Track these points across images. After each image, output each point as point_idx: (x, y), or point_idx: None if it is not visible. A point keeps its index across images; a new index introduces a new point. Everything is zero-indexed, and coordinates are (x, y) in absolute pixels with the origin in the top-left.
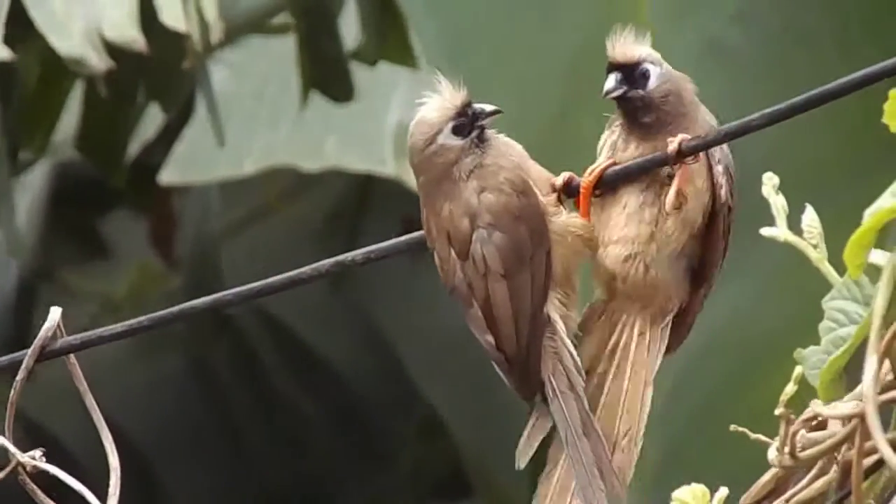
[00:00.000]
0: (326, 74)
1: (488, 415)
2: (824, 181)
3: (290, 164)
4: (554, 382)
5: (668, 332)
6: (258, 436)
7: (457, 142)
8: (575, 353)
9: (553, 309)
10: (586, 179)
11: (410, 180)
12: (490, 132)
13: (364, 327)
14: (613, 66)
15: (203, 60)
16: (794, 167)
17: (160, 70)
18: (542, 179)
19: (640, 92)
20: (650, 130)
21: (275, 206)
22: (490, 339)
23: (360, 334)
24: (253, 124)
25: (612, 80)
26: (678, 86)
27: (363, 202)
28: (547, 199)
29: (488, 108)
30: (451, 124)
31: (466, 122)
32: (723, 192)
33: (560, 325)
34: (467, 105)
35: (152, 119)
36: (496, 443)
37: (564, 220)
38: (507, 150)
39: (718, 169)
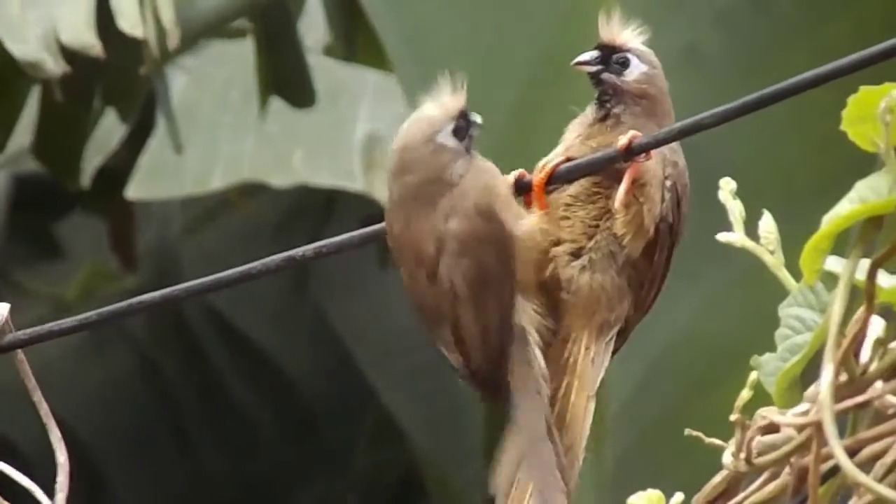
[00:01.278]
0: (286, 79)
1: (442, 417)
2: (794, 191)
3: (258, 180)
4: (521, 388)
5: (612, 346)
6: (208, 437)
7: (455, 144)
8: (543, 362)
9: (526, 319)
10: (538, 177)
11: (378, 193)
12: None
13: (319, 329)
14: (597, 45)
15: (160, 66)
16: (764, 176)
17: (117, 75)
18: (509, 197)
19: (614, 78)
20: (615, 124)
21: (234, 204)
22: (458, 357)
23: (315, 337)
24: (216, 133)
25: (588, 55)
26: (658, 90)
27: (327, 206)
28: (516, 216)
29: (478, 118)
30: (451, 125)
31: (464, 126)
32: (664, 206)
33: (533, 335)
34: (465, 110)
35: (116, 127)
36: (450, 445)
37: (529, 226)
38: (482, 170)
39: (667, 184)
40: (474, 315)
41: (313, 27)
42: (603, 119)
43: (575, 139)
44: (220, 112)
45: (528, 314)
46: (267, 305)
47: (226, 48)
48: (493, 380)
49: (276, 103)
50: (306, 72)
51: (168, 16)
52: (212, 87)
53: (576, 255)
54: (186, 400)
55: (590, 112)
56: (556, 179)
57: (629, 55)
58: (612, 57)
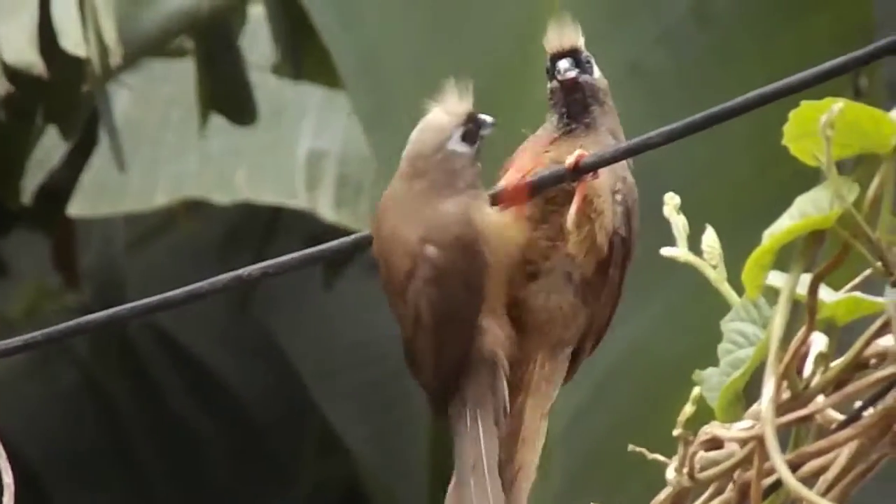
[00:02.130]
0: (227, 96)
1: (387, 433)
2: (742, 206)
3: (201, 197)
4: (478, 413)
5: (566, 365)
6: (153, 456)
7: (465, 149)
8: (507, 395)
9: (495, 344)
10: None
11: (322, 210)
12: None
13: (264, 346)
14: (561, 54)
15: (103, 84)
16: (711, 193)
17: (59, 93)
18: (492, 223)
19: (590, 77)
20: (579, 131)
21: (178, 220)
22: (409, 369)
23: (259, 354)
24: (160, 151)
25: (566, 62)
26: (606, 88)
27: (271, 223)
28: (498, 241)
29: (488, 119)
30: (460, 130)
31: (473, 130)
32: (615, 221)
33: (501, 361)
34: (473, 113)
35: (58, 145)
36: (395, 460)
37: (509, 255)
38: (472, 194)
39: (617, 198)
40: (432, 343)
41: (260, 44)
42: (571, 129)
43: (543, 153)
44: (163, 129)
45: (496, 338)
46: (211, 323)
47: (168, 66)
48: (441, 399)
49: (219, 121)
50: (248, 89)
51: (110, 35)
52: (154, 105)
53: (533, 276)
54: (131, 418)
55: (553, 125)
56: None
57: (587, 54)
58: (580, 59)
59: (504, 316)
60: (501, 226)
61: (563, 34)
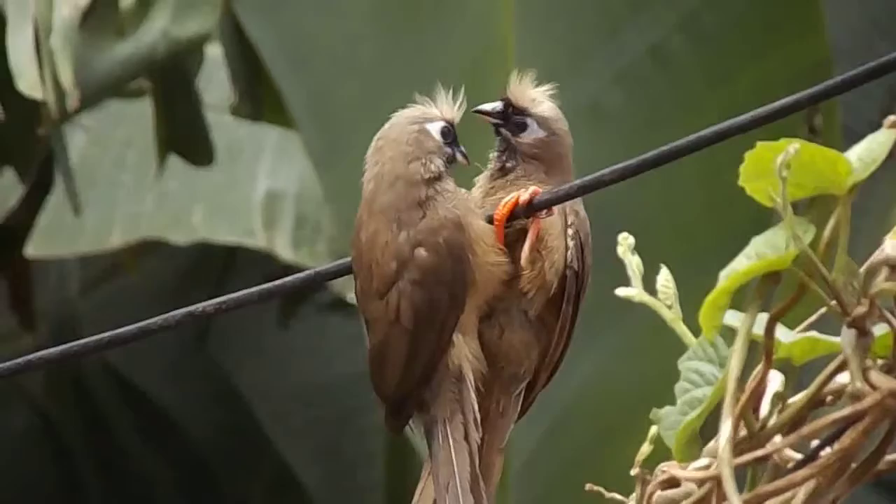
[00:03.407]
0: (184, 137)
1: (341, 472)
2: (697, 247)
3: (157, 237)
4: (448, 429)
5: (520, 400)
6: (106, 494)
7: (440, 139)
8: (476, 407)
9: (465, 359)
10: (499, 212)
11: (279, 250)
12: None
13: (218, 386)
14: (503, 98)
15: (59, 126)
16: (666, 233)
17: (15, 135)
18: (482, 233)
19: (510, 135)
20: (515, 179)
21: (126, 265)
22: (375, 377)
23: (213, 393)
24: (116, 191)
25: (491, 105)
26: (555, 155)
27: (228, 263)
28: (485, 253)
29: (463, 150)
30: (442, 123)
31: (451, 134)
32: (569, 254)
33: (469, 376)
34: (455, 123)
35: (14, 186)
36: (348, 499)
37: (494, 266)
38: (457, 198)
39: (569, 232)
40: (408, 345)
41: (214, 86)
42: (503, 173)
43: (479, 194)
44: (119, 170)
45: (466, 356)
46: (165, 362)
47: (124, 107)
48: (399, 411)
49: (176, 161)
50: (205, 130)
51: (67, 77)
52: (110, 146)
53: (487, 316)
54: (84, 458)
55: (491, 165)
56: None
57: (528, 120)
58: (512, 116)
59: (475, 337)
60: (489, 241)
61: (517, 86)
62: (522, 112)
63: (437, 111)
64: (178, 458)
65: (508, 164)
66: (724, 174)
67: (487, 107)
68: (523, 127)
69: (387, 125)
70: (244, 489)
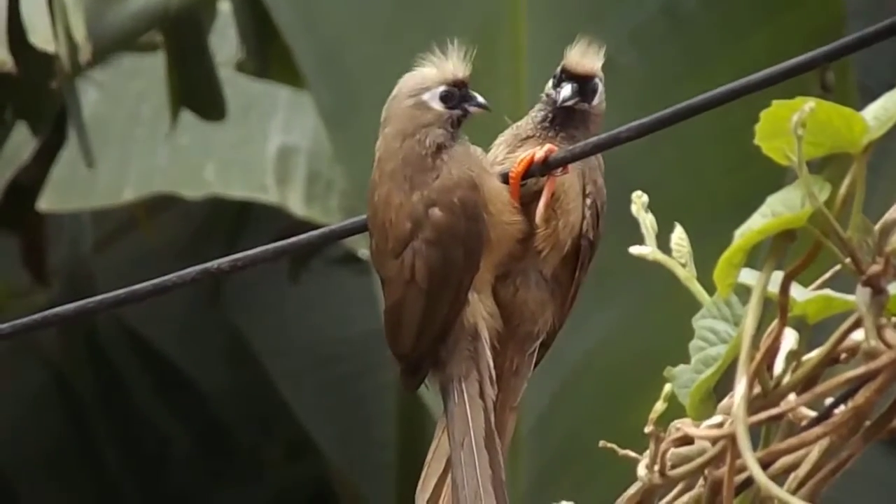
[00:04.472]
0: (197, 92)
1: (355, 432)
2: (714, 206)
3: (170, 192)
4: (464, 386)
5: (534, 359)
6: (120, 453)
7: (439, 107)
8: (492, 364)
9: (480, 318)
10: (514, 169)
11: (292, 205)
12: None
13: (232, 344)
14: (570, 76)
15: (72, 80)
16: (683, 193)
17: (28, 90)
18: (497, 192)
19: (586, 105)
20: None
21: (141, 222)
22: (391, 336)
23: (227, 352)
24: (129, 146)
25: (569, 89)
26: (602, 111)
27: (240, 219)
28: (500, 212)
29: (480, 99)
30: (442, 88)
31: (456, 96)
32: (585, 223)
33: (484, 334)
34: (464, 82)
35: (27, 141)
36: (363, 459)
37: (509, 224)
38: (469, 159)
39: (587, 202)
40: (424, 304)
41: (226, 42)
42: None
43: (504, 151)
44: (132, 125)
45: (481, 314)
46: (179, 321)
47: (137, 62)
48: (415, 369)
49: (189, 116)
50: (217, 85)
51: (80, 31)
52: (123, 101)
53: (503, 276)
54: (99, 416)
55: (526, 128)
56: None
57: (597, 80)
58: (587, 86)
59: (490, 295)
60: (504, 199)
61: (579, 56)
62: (592, 77)
63: (441, 73)
64: (192, 415)
65: (573, 132)
66: (740, 133)
67: (567, 93)
68: (596, 90)
69: (394, 91)
70: (259, 447)
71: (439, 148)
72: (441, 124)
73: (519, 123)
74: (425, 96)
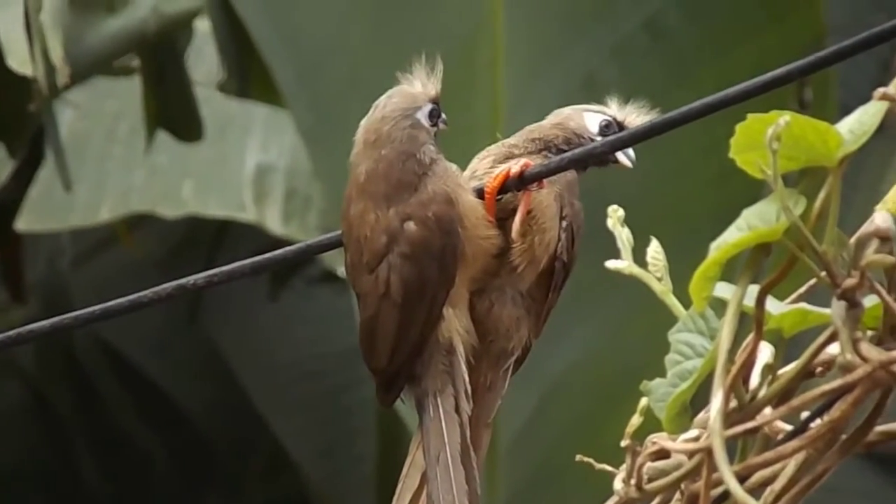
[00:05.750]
0: (174, 114)
1: (335, 447)
2: (690, 221)
3: (148, 211)
4: (439, 401)
5: (508, 375)
6: (99, 470)
7: (429, 125)
8: (468, 380)
9: (456, 332)
10: (490, 184)
11: (269, 223)
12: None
13: (210, 361)
14: (616, 124)
15: (50, 103)
16: (660, 207)
17: (5, 111)
18: (472, 207)
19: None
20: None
21: (121, 238)
22: (366, 351)
23: (206, 368)
24: (107, 166)
25: (629, 155)
26: None
27: (218, 238)
28: (475, 226)
29: (444, 115)
30: (430, 106)
31: (437, 113)
32: (560, 245)
33: (459, 349)
34: (438, 97)
35: (4, 161)
36: (343, 475)
37: (484, 239)
38: (447, 174)
39: (563, 224)
40: (398, 318)
41: (203, 61)
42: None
43: (486, 165)
44: (109, 144)
45: (457, 329)
46: (158, 337)
47: (113, 82)
48: (391, 384)
49: (167, 135)
50: (194, 106)
51: (57, 54)
52: (100, 120)
53: (478, 291)
54: (77, 432)
55: (535, 146)
56: (508, 188)
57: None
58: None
59: (465, 310)
60: (479, 215)
61: (632, 112)
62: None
63: (425, 91)
64: (170, 430)
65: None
66: (716, 147)
67: (633, 159)
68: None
69: (378, 114)
70: (239, 463)
71: (431, 164)
72: (431, 140)
73: (510, 141)
74: (418, 115)
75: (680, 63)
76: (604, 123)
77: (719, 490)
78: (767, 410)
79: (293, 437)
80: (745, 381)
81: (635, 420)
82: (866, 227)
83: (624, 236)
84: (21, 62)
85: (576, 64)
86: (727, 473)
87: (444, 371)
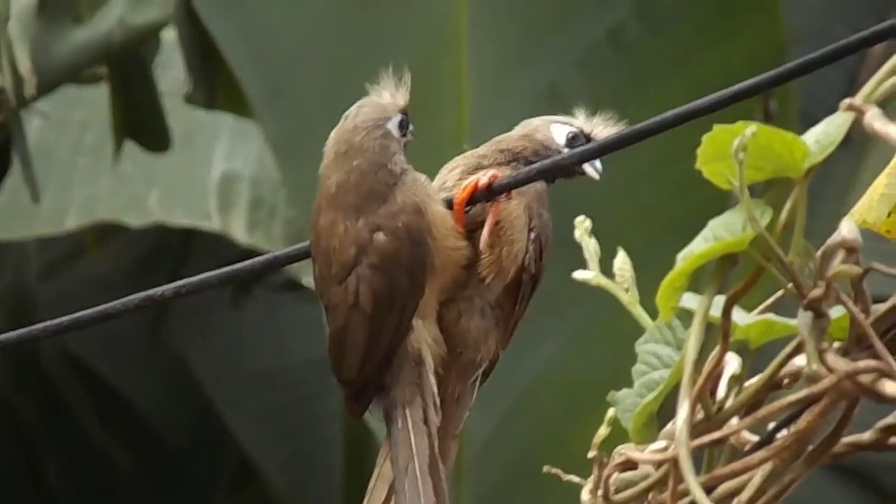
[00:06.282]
0: (141, 124)
1: (301, 458)
2: (656, 231)
3: (113, 220)
4: (408, 412)
5: (476, 387)
6: (66, 482)
7: (398, 135)
8: (436, 391)
9: (425, 343)
10: (459, 195)
11: (235, 233)
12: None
13: (176, 372)
14: (584, 136)
15: (17, 113)
16: (626, 217)
17: None
18: (441, 218)
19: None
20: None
21: (88, 249)
22: (335, 362)
23: (172, 379)
24: (72, 175)
25: (596, 166)
26: None
27: (184, 247)
28: (444, 237)
29: (411, 125)
30: (399, 117)
31: (406, 123)
32: (528, 256)
33: (428, 360)
34: (407, 109)
35: None
36: (309, 486)
37: (453, 250)
38: (416, 185)
39: (531, 235)
40: (366, 331)
41: (170, 70)
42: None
43: (455, 176)
44: (75, 154)
45: (426, 340)
46: (124, 349)
47: (80, 91)
48: (360, 395)
49: (133, 144)
50: (161, 117)
51: (25, 65)
52: (66, 129)
53: (447, 302)
54: (44, 444)
55: (503, 156)
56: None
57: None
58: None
59: (434, 322)
60: (448, 225)
61: (590, 124)
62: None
63: (394, 102)
64: (136, 441)
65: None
66: (682, 158)
67: (600, 171)
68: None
69: (349, 125)
70: (206, 474)
71: (401, 174)
72: (401, 150)
73: (478, 152)
74: (389, 125)
75: (643, 74)
76: (570, 135)
77: (686, 501)
78: (734, 421)
79: (259, 447)
80: (712, 391)
81: (602, 431)
82: (833, 238)
83: (591, 247)
84: None
85: (539, 75)
86: (694, 484)
87: (412, 382)
